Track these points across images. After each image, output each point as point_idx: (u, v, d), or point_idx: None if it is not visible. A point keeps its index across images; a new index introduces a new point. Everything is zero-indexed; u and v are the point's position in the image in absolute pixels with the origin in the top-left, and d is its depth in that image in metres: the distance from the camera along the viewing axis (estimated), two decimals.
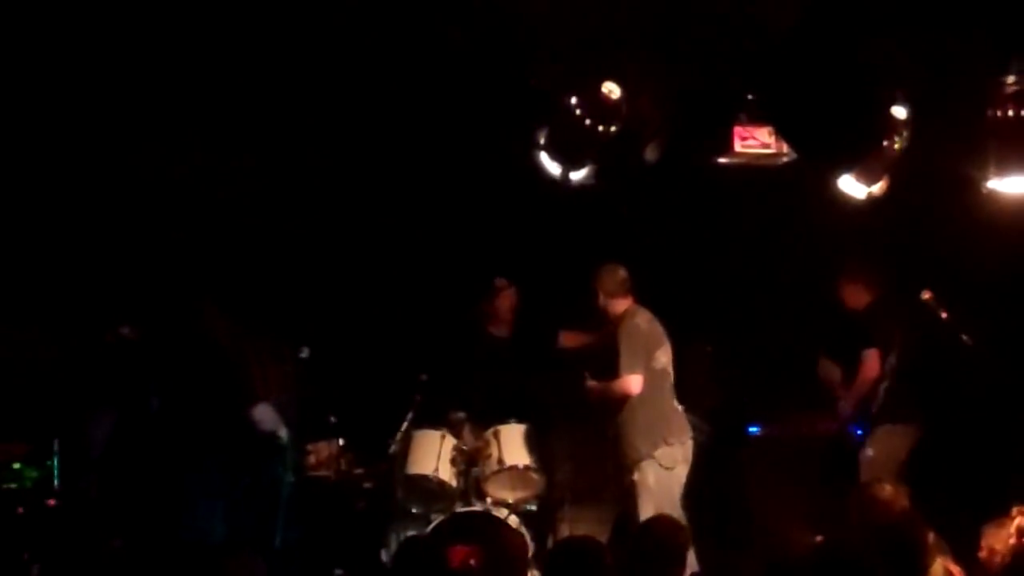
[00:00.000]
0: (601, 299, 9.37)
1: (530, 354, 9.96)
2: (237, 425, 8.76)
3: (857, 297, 9.61)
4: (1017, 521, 6.64)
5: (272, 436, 8.83)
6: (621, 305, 9.36)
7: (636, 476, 9.13)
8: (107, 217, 9.31)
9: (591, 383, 9.36)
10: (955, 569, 6.60)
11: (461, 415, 9.80)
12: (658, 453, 9.15)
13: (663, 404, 9.30)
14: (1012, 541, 6.61)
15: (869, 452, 9.40)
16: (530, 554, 9.23)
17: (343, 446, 9.61)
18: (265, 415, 8.80)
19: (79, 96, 8.26)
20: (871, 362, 9.50)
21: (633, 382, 9.18)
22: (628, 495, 9.18)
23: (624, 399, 9.18)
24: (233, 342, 8.80)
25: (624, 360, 9.22)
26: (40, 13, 7.70)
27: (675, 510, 8.85)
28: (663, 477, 9.15)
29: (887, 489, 7.16)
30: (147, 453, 8.87)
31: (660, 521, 7.24)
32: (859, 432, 10.49)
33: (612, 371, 9.25)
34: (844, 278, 9.66)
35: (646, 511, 8.80)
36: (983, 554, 6.86)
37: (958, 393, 9.43)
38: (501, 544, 8.96)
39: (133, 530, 8.63)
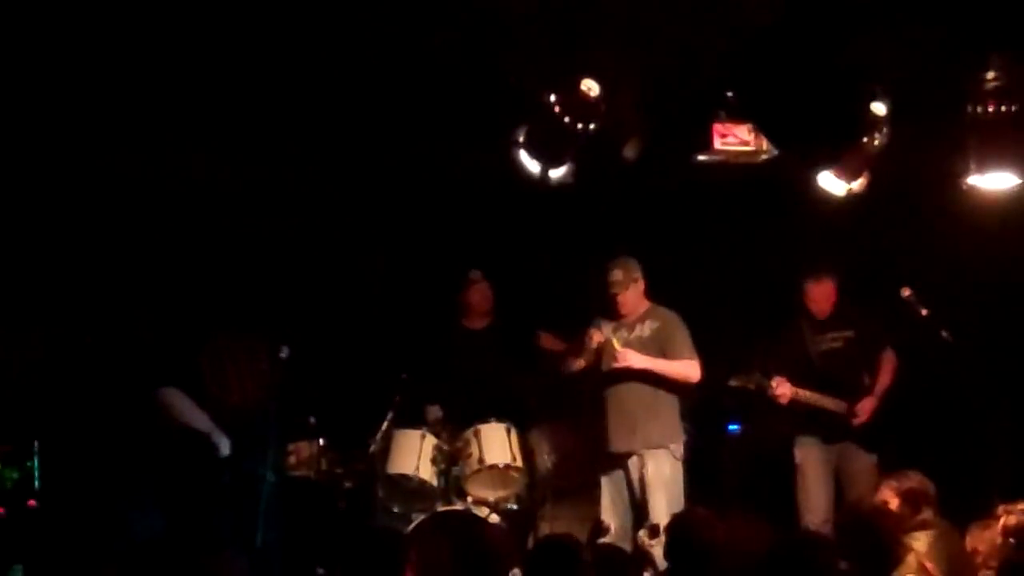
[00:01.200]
0: (631, 291, 9.23)
1: (509, 351, 9.92)
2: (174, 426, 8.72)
3: (827, 297, 9.55)
4: (1003, 520, 6.64)
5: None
6: (645, 297, 9.34)
7: (650, 467, 9.05)
8: (85, 216, 9.26)
9: (649, 358, 9.14)
10: (930, 566, 6.59)
11: (436, 410, 9.78)
12: (673, 446, 9.13)
13: (678, 402, 9.27)
14: (999, 540, 6.62)
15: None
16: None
17: (324, 446, 9.58)
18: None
19: (53, 95, 8.21)
20: (892, 363, 9.53)
21: (698, 368, 9.16)
22: (638, 487, 9.11)
23: (674, 383, 9.14)
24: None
25: (685, 346, 9.16)
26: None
27: (681, 504, 8.87)
28: (676, 469, 9.12)
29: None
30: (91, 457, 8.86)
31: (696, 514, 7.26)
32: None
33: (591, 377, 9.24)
34: (813, 279, 9.58)
35: (660, 502, 8.85)
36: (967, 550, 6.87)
37: (938, 390, 9.40)
38: (485, 542, 8.98)
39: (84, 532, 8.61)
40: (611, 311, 9.32)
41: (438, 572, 7.01)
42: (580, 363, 9.33)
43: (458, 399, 9.82)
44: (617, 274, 9.21)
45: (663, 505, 8.81)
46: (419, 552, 8.25)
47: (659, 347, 9.19)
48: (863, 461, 9.37)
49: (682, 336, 9.20)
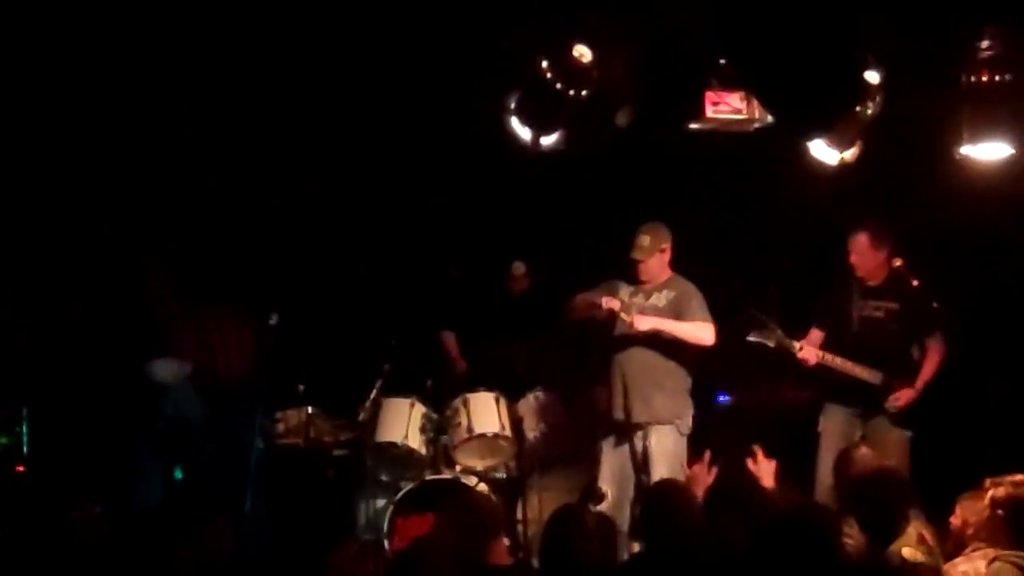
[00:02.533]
0: (654, 260, 9.09)
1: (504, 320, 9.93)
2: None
3: (861, 251, 9.25)
4: (991, 492, 6.65)
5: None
6: (669, 266, 9.23)
7: (654, 440, 8.96)
8: (73, 184, 9.21)
9: (659, 318, 8.99)
10: (927, 534, 6.61)
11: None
12: (679, 420, 9.05)
13: (688, 375, 9.20)
14: (987, 513, 6.62)
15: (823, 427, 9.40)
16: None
17: (312, 414, 9.57)
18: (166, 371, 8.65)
19: (36, 65, 8.17)
20: (940, 352, 9.29)
21: (712, 330, 9.01)
22: (641, 460, 9.00)
23: (687, 347, 9.01)
24: (181, 304, 8.72)
25: (700, 310, 9.03)
26: None
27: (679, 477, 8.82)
28: (680, 444, 9.05)
29: (864, 450, 7.38)
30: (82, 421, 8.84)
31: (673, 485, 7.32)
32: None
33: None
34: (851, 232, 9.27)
35: (661, 476, 8.67)
36: (956, 522, 6.89)
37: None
38: (472, 511, 8.97)
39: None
40: (631, 276, 9.18)
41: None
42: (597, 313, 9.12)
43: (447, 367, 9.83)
44: (644, 239, 9.04)
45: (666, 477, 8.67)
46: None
47: (674, 316, 9.04)
48: (895, 435, 9.09)
49: (698, 301, 9.05)
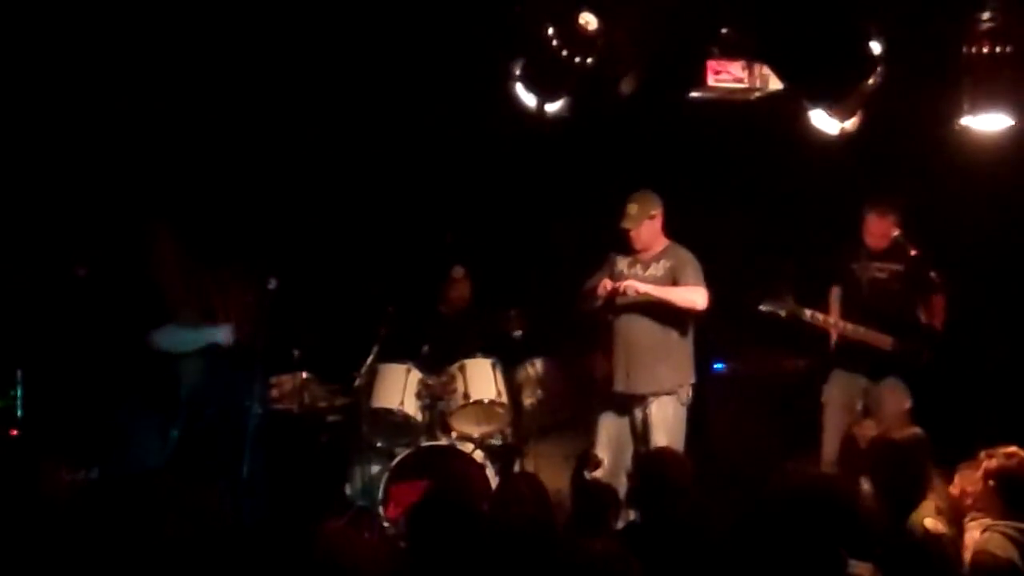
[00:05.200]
0: (645, 227, 9.09)
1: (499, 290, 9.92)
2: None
3: (885, 234, 9.35)
4: (985, 463, 6.72)
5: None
6: (663, 235, 9.24)
7: (654, 409, 9.00)
8: (72, 147, 9.17)
9: (650, 285, 9.00)
10: (941, 503, 6.68)
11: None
12: (681, 390, 9.07)
13: (691, 344, 9.21)
14: (980, 485, 6.70)
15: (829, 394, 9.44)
16: (494, 488, 9.27)
17: (307, 379, 9.56)
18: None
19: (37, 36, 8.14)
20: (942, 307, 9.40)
21: (704, 295, 9.01)
22: (641, 430, 9.05)
23: (678, 313, 9.03)
24: (185, 269, 8.68)
25: (694, 276, 9.04)
26: None
27: (679, 448, 8.80)
28: (681, 413, 9.08)
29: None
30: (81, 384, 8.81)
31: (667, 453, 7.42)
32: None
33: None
34: (876, 213, 9.31)
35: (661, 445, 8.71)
36: (955, 492, 6.97)
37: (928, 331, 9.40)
38: (459, 479, 9.01)
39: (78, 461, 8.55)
40: (625, 246, 9.19)
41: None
42: (599, 300, 9.13)
43: (444, 333, 9.82)
44: (632, 208, 9.05)
45: None
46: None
47: (671, 284, 9.07)
48: (895, 405, 9.17)
49: (693, 268, 9.06)
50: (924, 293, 9.38)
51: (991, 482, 6.63)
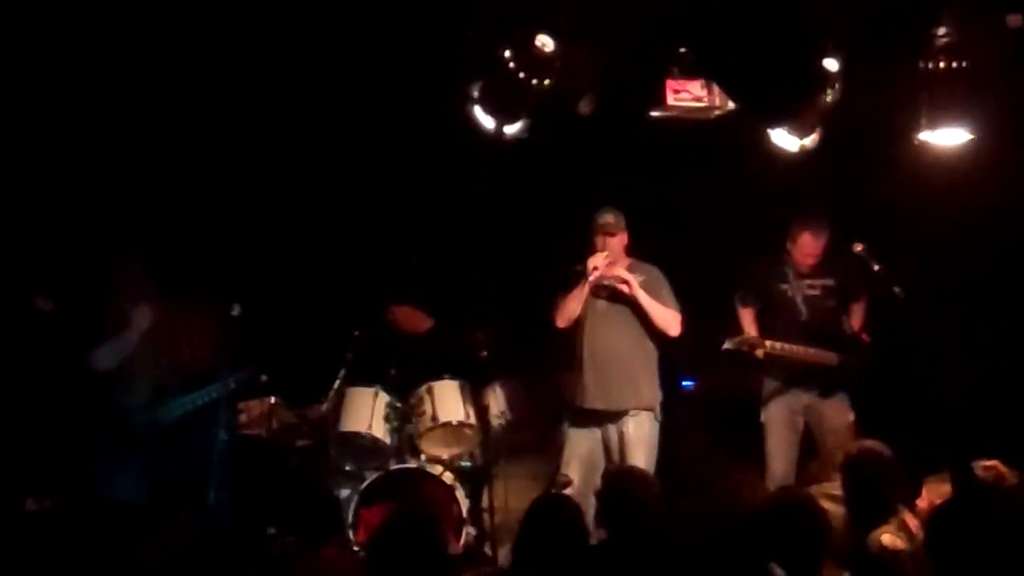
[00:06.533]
0: (618, 238, 9.12)
1: (464, 311, 9.91)
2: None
3: (817, 253, 9.41)
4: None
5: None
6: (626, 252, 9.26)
7: (631, 426, 9.01)
8: (31, 174, 9.15)
9: (642, 293, 9.03)
10: (910, 519, 6.67)
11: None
12: (658, 406, 9.12)
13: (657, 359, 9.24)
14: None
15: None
16: (464, 511, 9.26)
17: (275, 404, 9.54)
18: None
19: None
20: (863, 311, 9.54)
21: (680, 322, 9.09)
22: (617, 448, 9.07)
23: (654, 332, 9.08)
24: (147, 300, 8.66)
25: (672, 298, 9.11)
26: None
27: (653, 466, 8.88)
28: (656, 430, 9.11)
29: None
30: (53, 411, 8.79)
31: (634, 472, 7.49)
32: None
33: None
34: (810, 231, 9.37)
35: (639, 463, 8.75)
36: (922, 504, 6.94)
37: (891, 344, 9.44)
38: (432, 503, 9.01)
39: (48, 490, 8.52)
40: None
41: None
42: (577, 308, 9.11)
43: (411, 356, 9.81)
44: (610, 217, 9.08)
45: (641, 465, 8.68)
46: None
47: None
48: (839, 420, 9.28)
49: (668, 289, 9.14)
50: (851, 304, 9.51)
51: None
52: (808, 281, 9.40)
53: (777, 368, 9.41)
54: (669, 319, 9.06)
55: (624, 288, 9.03)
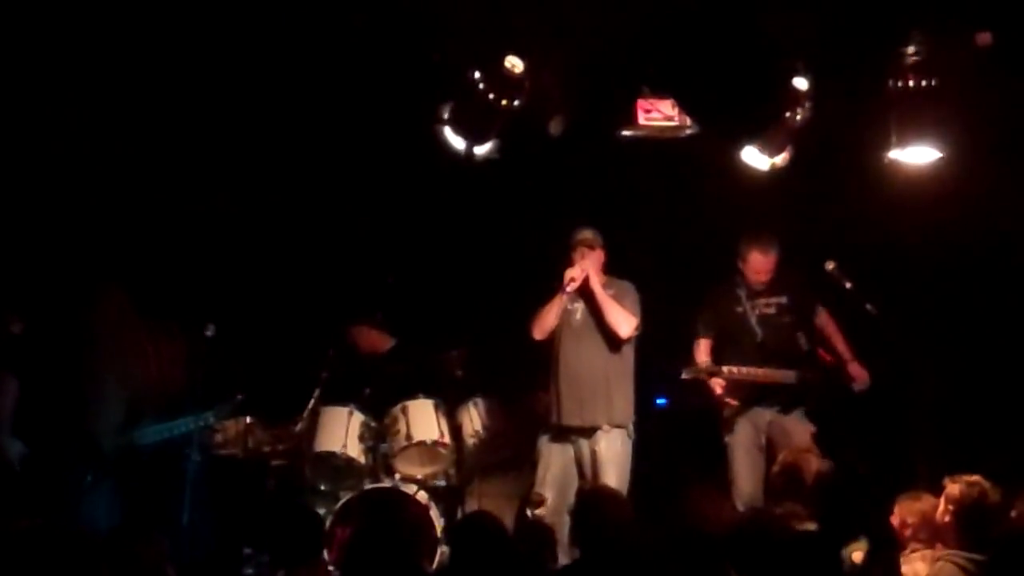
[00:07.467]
0: (597, 254, 9.13)
1: (437, 329, 9.92)
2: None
3: (769, 270, 9.38)
4: (946, 490, 6.67)
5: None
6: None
7: (603, 444, 8.99)
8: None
9: (599, 288, 9.04)
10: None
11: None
12: (630, 425, 9.12)
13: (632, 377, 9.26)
14: (942, 509, 6.64)
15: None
16: (439, 530, 9.26)
17: (250, 424, 9.53)
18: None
19: None
20: (833, 322, 9.50)
21: (634, 325, 9.09)
22: (590, 465, 9.04)
23: (610, 336, 9.07)
24: (123, 325, 8.65)
25: (634, 307, 9.11)
26: None
27: (625, 484, 8.89)
28: (628, 447, 9.10)
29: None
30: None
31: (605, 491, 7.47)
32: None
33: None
34: (759, 249, 9.32)
35: (611, 480, 8.75)
36: (894, 522, 6.92)
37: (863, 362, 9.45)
38: (407, 522, 9.00)
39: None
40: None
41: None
42: (554, 320, 9.13)
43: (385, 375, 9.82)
44: (588, 232, 9.12)
45: (613, 483, 8.67)
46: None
47: None
48: (799, 434, 9.18)
49: (632, 299, 9.14)
50: (807, 319, 9.46)
51: (950, 507, 6.56)
52: (763, 300, 9.38)
53: (737, 389, 9.40)
54: (621, 319, 9.06)
55: (588, 286, 9.04)
